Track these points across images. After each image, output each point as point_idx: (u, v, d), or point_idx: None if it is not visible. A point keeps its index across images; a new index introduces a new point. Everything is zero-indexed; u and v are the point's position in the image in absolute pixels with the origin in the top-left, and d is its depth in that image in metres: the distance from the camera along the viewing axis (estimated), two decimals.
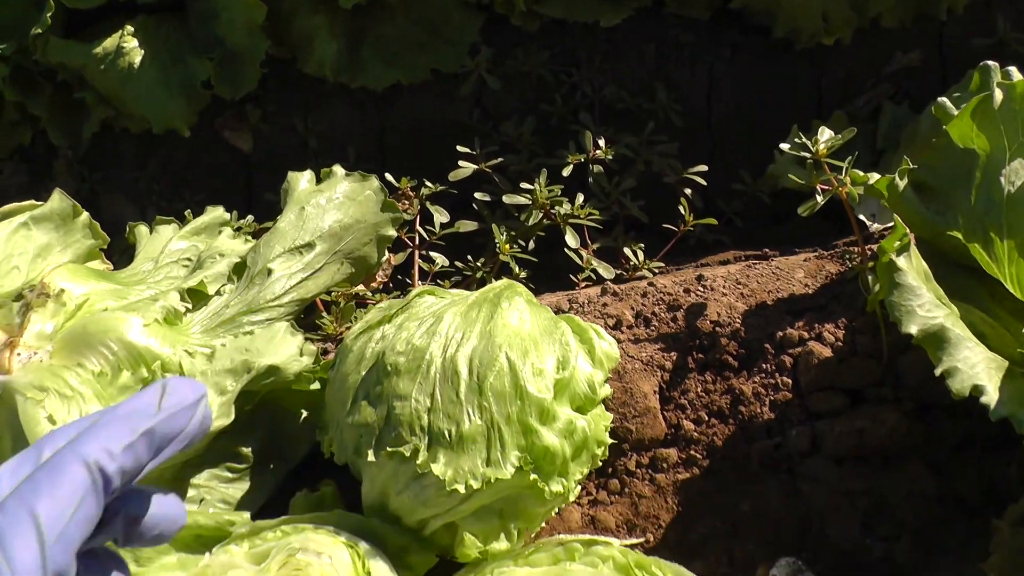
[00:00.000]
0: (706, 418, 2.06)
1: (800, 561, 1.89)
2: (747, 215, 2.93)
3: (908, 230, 1.80)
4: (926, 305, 1.73)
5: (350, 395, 1.83)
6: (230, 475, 2.08)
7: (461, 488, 1.68)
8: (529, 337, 1.80)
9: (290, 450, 2.11)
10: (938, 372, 1.68)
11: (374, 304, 2.38)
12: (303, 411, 2.11)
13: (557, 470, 1.75)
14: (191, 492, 2.04)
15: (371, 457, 1.75)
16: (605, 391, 1.86)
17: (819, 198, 2.06)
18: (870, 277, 2.06)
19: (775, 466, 1.99)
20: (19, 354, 1.95)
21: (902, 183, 1.98)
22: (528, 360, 1.76)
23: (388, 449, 1.73)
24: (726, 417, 2.06)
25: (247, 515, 1.91)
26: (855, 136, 2.14)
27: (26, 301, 2.02)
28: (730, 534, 1.96)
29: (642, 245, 2.64)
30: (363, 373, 1.83)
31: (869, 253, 2.15)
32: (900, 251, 1.78)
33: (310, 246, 2.19)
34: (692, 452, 2.04)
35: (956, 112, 1.96)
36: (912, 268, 1.77)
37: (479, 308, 1.86)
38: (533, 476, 1.71)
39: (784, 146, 2.23)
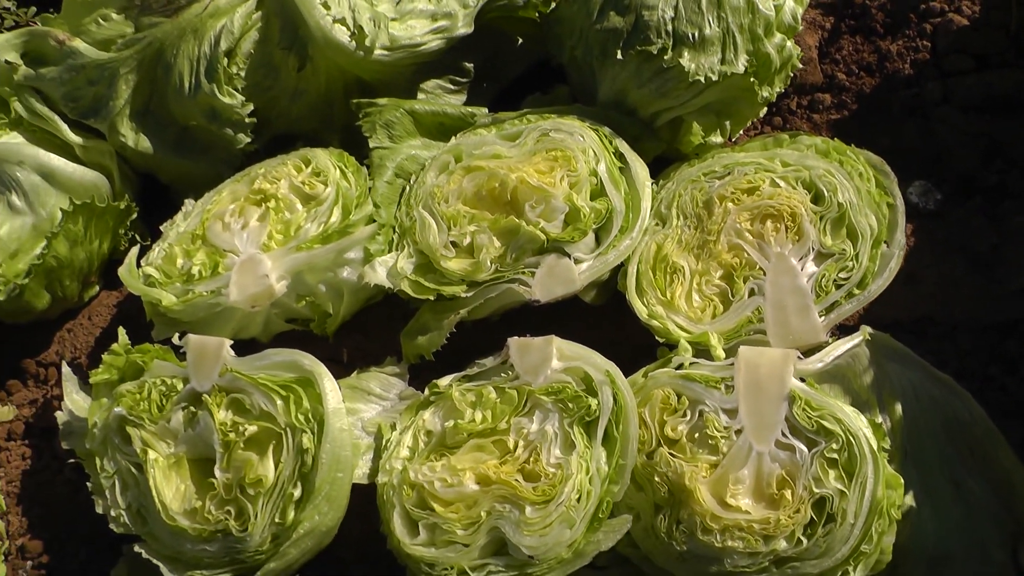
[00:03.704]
0: (856, 71, 2.45)
1: (930, 183, 2.32)
2: None
3: None
4: None
5: (596, 7, 2.13)
6: (452, 86, 2.40)
7: (702, 79, 2.03)
8: None
9: (504, 71, 2.43)
10: None
11: None
12: (519, 38, 2.41)
13: (768, 78, 2.12)
14: (420, 95, 2.35)
15: (619, 56, 2.08)
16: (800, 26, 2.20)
17: None
18: None
19: (912, 111, 2.40)
20: None
21: None
22: None
23: (637, 48, 2.06)
24: (873, 71, 2.44)
25: (485, 109, 2.23)
26: None
27: None
28: None
29: None
30: None
31: None
32: None
33: None
34: (843, 98, 2.43)
35: None
36: None
37: None
38: (752, 79, 2.08)
39: None
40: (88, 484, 2.05)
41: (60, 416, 2.15)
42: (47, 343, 2.45)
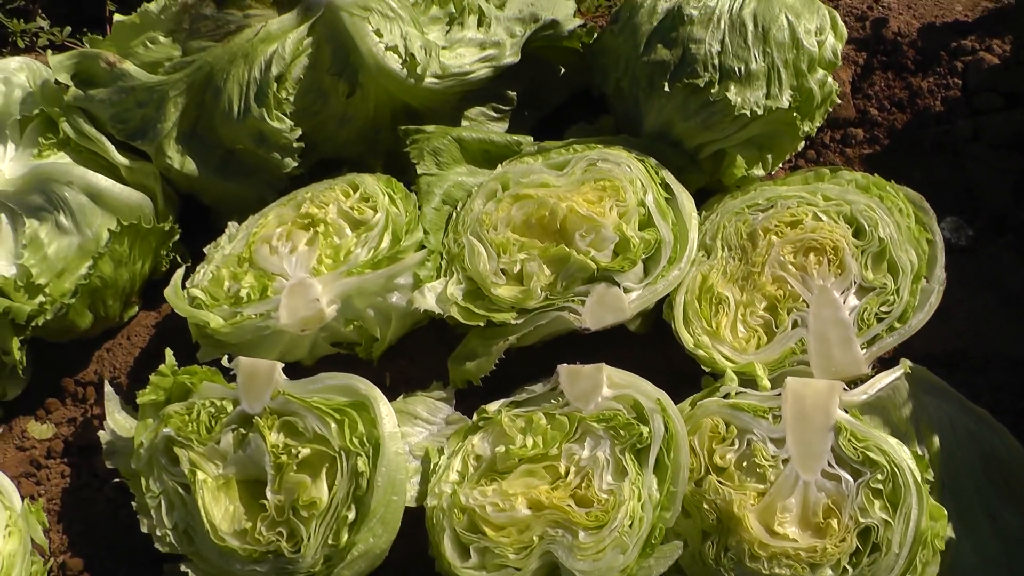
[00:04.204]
0: (888, 107, 2.50)
1: (961, 219, 2.38)
2: None
3: None
4: None
5: (643, 39, 2.18)
6: (495, 114, 2.44)
7: (747, 112, 2.08)
8: (797, 5, 2.17)
9: (546, 99, 2.47)
10: None
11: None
12: (562, 68, 2.45)
13: (810, 113, 2.17)
14: (464, 123, 2.39)
15: (666, 88, 2.13)
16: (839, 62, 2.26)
17: None
18: None
19: (943, 148, 2.45)
20: None
21: None
22: (801, 21, 2.14)
23: (684, 80, 2.10)
24: (904, 107, 2.50)
25: (530, 137, 2.27)
26: None
27: None
28: None
29: None
30: (655, 23, 2.18)
31: None
32: None
33: None
34: (876, 133, 2.49)
35: None
36: None
37: None
38: (795, 114, 2.13)
39: None
40: (133, 503, 2.06)
41: (103, 435, 2.16)
42: (86, 362, 2.47)
